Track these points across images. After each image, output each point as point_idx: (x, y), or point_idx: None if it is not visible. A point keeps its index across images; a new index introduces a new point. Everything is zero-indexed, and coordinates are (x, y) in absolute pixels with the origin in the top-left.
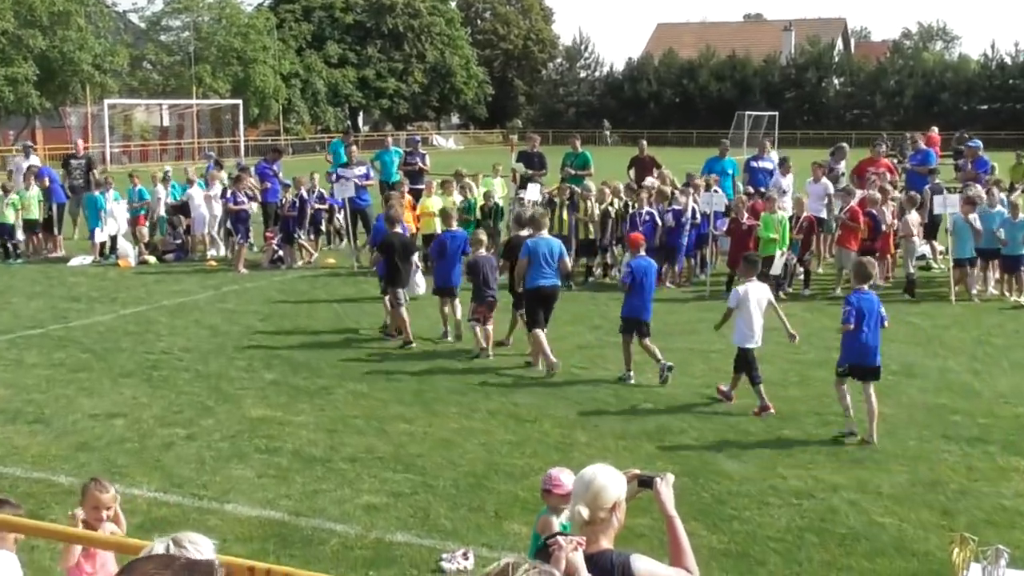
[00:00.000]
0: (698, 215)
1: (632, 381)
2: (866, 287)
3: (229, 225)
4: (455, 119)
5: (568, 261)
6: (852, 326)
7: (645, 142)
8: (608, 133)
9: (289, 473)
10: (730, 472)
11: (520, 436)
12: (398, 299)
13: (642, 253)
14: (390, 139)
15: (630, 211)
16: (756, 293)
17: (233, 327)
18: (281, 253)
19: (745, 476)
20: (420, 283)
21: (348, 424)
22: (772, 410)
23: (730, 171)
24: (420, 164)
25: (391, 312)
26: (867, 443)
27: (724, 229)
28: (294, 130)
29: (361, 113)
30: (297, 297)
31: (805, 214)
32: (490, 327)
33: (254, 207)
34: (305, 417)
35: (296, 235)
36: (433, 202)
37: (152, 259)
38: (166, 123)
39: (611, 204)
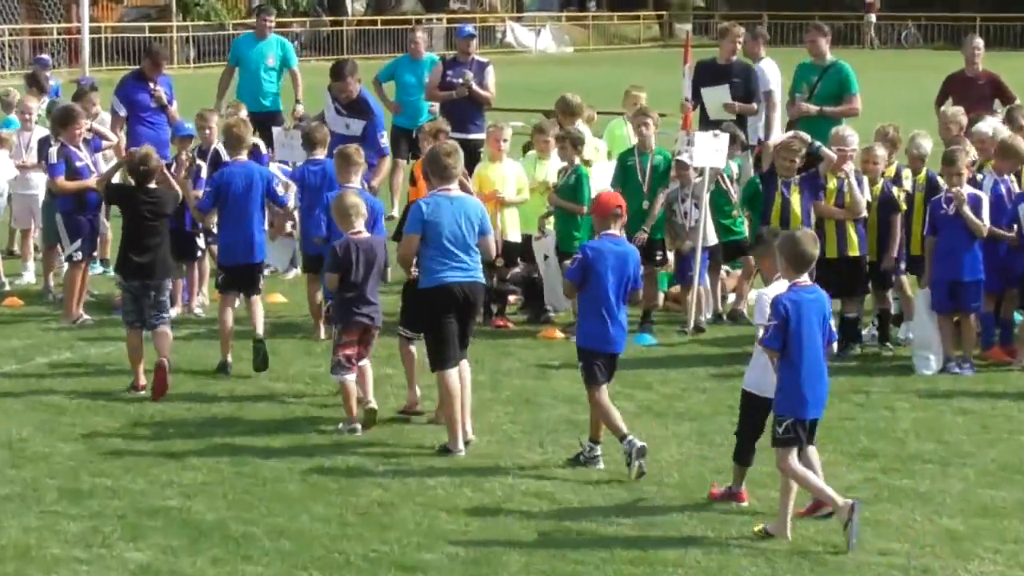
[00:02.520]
0: None
1: (599, 464)
2: (806, 279)
3: (59, 221)
4: None
5: (493, 239)
6: (777, 351)
7: (979, 43)
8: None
9: None
10: None
11: None
12: (128, 314)
13: (615, 230)
14: (420, 36)
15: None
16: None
17: (59, 446)
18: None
19: None
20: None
21: None
22: (745, 501)
23: None
24: (474, 87)
25: (128, 338)
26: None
27: None
28: (201, 7)
29: None
30: (201, 381)
31: None
32: (366, 371)
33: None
34: None
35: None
36: (505, 169)
37: None
38: None
39: (905, 178)
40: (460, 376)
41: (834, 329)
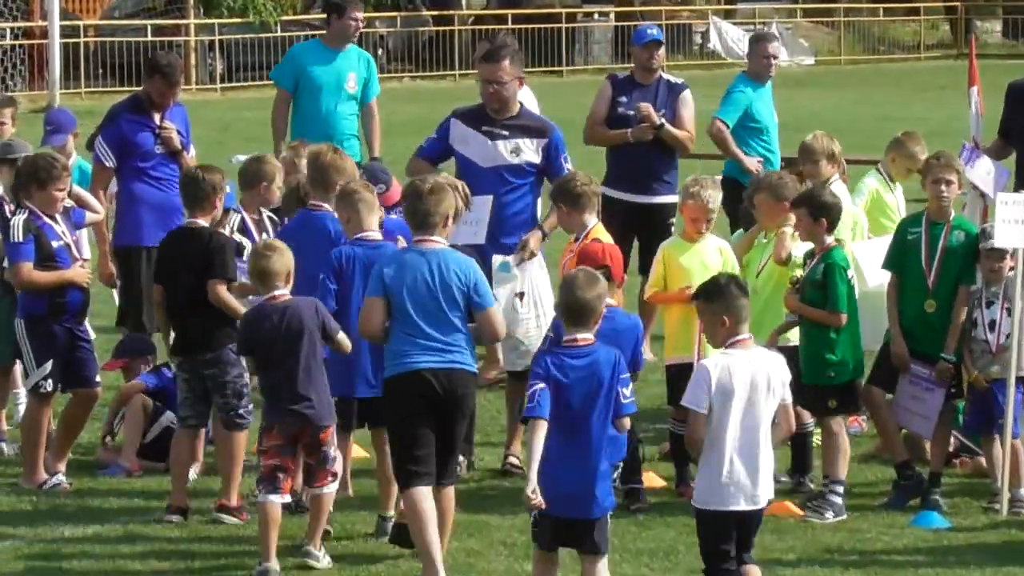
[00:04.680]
0: None
1: None
2: (586, 336)
3: (22, 332)
4: None
5: (499, 316)
6: (537, 418)
7: None
8: None
9: None
10: None
11: None
12: (183, 407)
13: (602, 327)
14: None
15: None
16: (748, 375)
17: None
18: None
19: None
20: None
21: None
22: None
23: None
24: (663, 123)
25: (174, 444)
26: None
27: None
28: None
29: None
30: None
31: None
32: (323, 503)
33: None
34: None
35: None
36: (705, 253)
37: None
38: None
39: None
40: (442, 508)
41: (624, 400)
